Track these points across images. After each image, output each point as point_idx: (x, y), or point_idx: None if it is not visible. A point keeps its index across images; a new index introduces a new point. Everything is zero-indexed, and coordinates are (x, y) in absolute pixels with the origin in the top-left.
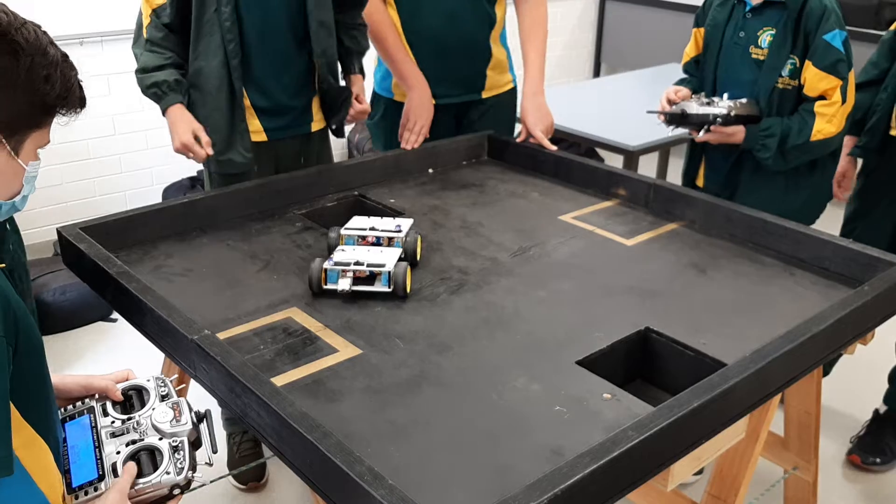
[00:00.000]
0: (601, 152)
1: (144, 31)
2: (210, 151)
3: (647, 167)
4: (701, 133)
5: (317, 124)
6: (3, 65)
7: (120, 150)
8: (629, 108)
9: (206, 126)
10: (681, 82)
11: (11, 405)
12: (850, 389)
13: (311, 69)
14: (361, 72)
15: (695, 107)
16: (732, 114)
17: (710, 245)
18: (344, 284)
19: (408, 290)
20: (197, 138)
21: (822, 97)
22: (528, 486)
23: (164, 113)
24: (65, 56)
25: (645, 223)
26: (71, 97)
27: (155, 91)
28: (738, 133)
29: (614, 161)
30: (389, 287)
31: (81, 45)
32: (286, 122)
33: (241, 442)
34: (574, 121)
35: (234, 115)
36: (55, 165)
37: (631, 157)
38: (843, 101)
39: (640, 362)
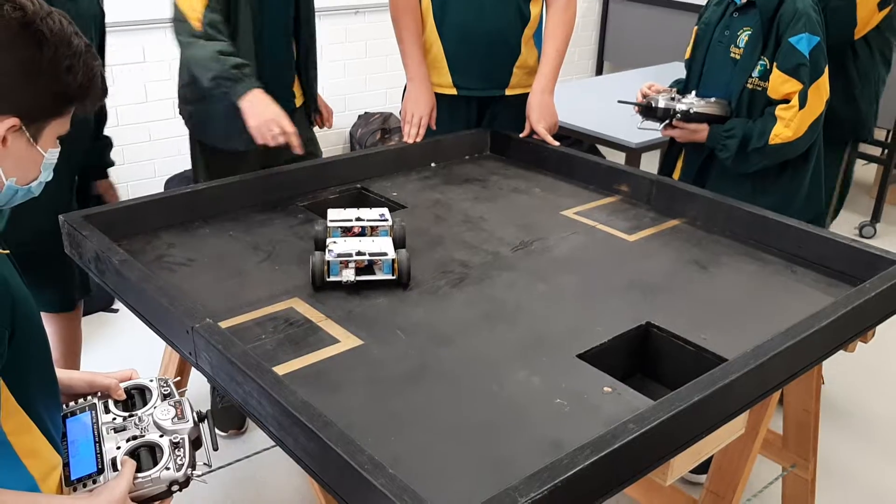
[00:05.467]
0: (603, 149)
1: (200, 15)
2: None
3: (650, 165)
4: (661, 126)
5: (298, 100)
6: (28, 54)
7: (123, 141)
8: (632, 107)
9: None
10: (678, 82)
11: (7, 390)
12: (849, 387)
13: (291, 53)
14: None
15: (661, 101)
16: (692, 111)
17: (712, 242)
18: (348, 275)
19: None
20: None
21: (785, 100)
22: (528, 477)
23: (240, 97)
24: (88, 46)
25: (647, 219)
26: (93, 87)
27: (236, 73)
28: (702, 131)
29: (616, 159)
30: (392, 274)
31: None
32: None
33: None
34: (577, 118)
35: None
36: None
37: (633, 154)
38: (802, 105)
39: (641, 357)
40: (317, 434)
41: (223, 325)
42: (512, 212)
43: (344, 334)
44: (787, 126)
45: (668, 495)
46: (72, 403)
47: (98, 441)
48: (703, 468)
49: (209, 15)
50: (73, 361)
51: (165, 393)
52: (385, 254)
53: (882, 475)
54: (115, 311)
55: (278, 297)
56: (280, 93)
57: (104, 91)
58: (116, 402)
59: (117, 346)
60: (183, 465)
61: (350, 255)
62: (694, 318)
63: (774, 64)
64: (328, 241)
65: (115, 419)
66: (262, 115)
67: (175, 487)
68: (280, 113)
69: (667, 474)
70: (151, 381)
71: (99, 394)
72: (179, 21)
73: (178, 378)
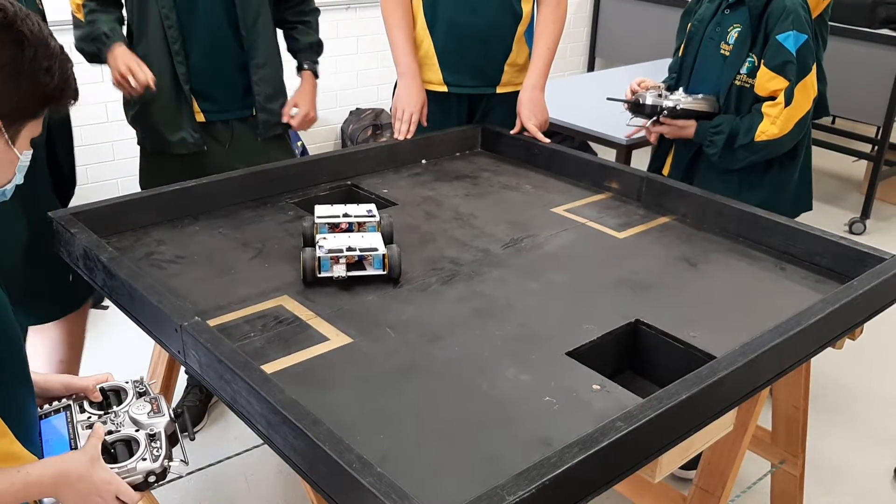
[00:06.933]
0: (594, 146)
1: (79, 9)
2: (152, 84)
3: (640, 162)
4: (648, 123)
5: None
6: (9, 55)
7: (112, 137)
8: (621, 103)
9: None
10: (672, 77)
11: None
12: (837, 384)
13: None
14: (311, 69)
15: (649, 97)
16: (679, 107)
17: (702, 239)
18: (339, 271)
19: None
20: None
21: (772, 98)
22: (517, 475)
23: (106, 61)
24: (62, 48)
25: (637, 216)
26: (68, 89)
27: (98, 46)
28: (689, 127)
29: (607, 155)
30: (384, 270)
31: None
32: (223, 105)
33: (190, 393)
34: (568, 114)
35: (179, 95)
36: None
37: (624, 151)
38: (788, 103)
39: (630, 354)
40: (304, 432)
41: (212, 322)
42: (503, 209)
43: (333, 332)
44: (773, 123)
45: (657, 492)
46: (46, 406)
47: (73, 439)
48: (692, 464)
49: (88, 4)
50: (76, 364)
51: (141, 392)
52: (375, 249)
53: (870, 470)
54: (105, 307)
55: (268, 294)
56: (228, 98)
57: (76, 92)
58: (92, 403)
59: (107, 343)
60: (159, 456)
61: (341, 250)
62: (683, 316)
63: (762, 61)
64: (317, 237)
65: (90, 417)
66: (114, 67)
67: (152, 478)
68: (133, 63)
69: (656, 471)
70: (127, 382)
71: (74, 396)
72: (72, 15)
73: (156, 382)
